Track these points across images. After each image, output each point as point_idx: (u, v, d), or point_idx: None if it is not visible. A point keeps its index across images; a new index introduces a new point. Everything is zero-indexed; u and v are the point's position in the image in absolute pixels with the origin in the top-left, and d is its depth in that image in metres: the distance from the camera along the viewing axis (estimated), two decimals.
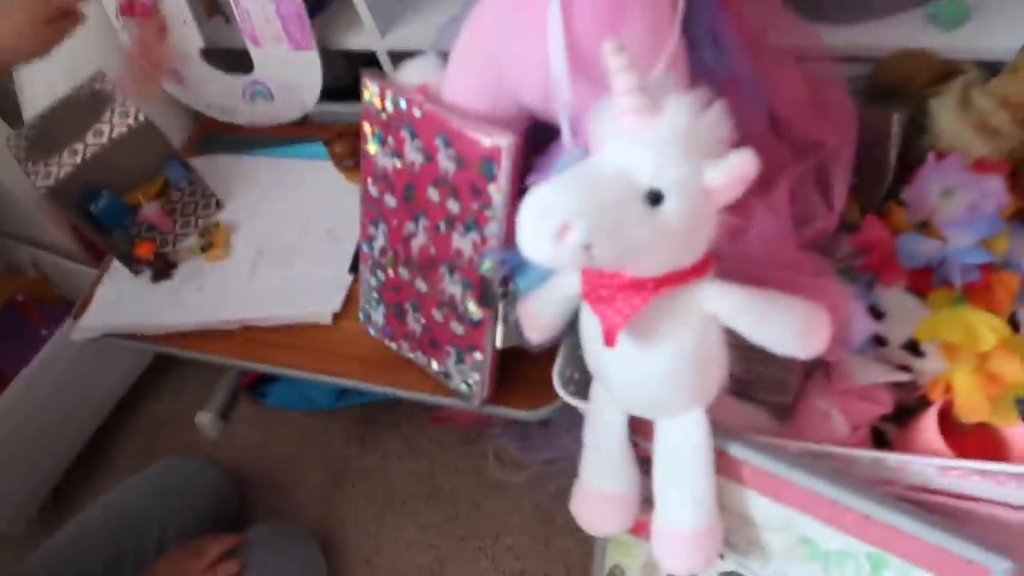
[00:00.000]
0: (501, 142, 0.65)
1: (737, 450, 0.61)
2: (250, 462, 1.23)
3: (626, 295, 0.54)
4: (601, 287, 0.55)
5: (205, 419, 1.28)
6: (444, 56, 0.75)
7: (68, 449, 1.28)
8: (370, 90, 0.75)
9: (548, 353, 0.75)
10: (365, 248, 0.83)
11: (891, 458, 0.60)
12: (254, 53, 1.09)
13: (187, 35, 1.10)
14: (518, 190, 0.67)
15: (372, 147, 0.77)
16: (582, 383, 0.73)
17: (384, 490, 1.15)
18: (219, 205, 1.08)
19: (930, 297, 0.68)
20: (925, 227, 0.70)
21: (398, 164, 0.75)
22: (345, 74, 1.19)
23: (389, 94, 0.73)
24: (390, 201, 0.77)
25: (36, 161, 0.97)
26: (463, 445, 1.16)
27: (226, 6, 1.12)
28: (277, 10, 1.02)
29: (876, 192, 0.77)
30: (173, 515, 1.04)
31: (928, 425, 0.64)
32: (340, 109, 1.13)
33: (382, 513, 1.13)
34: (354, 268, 0.94)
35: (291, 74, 1.09)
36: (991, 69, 0.76)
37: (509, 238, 0.69)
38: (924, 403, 0.69)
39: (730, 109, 0.70)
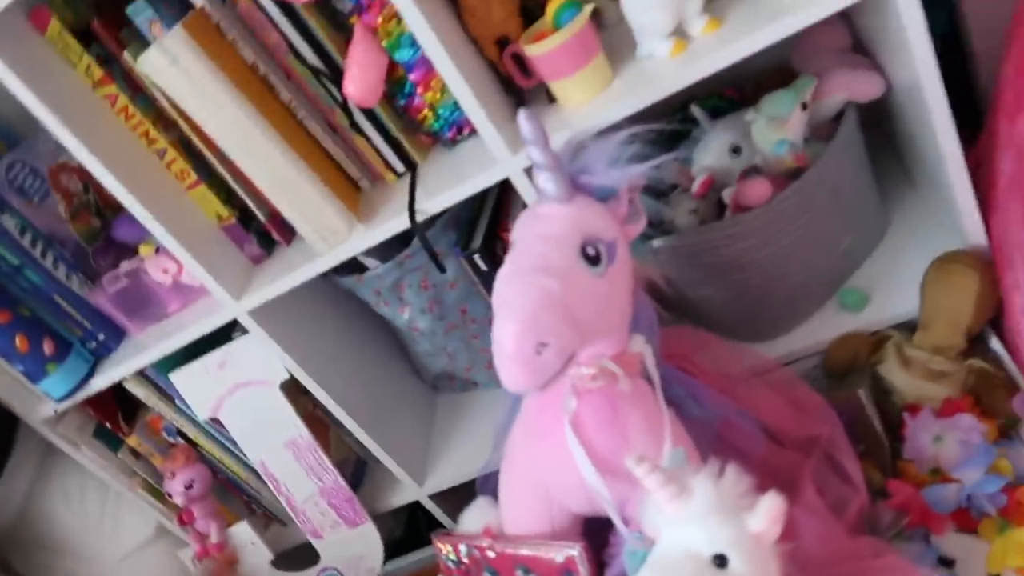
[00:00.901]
0: (572, 552, 0.76)
1: None
2: None
3: None
4: None
5: None
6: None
7: None
8: (444, 548, 0.86)
9: None
10: None
11: None
12: (318, 545, 1.21)
13: (256, 552, 1.22)
14: None
15: None
16: None
17: None
18: None
19: (980, 530, 0.75)
20: (938, 472, 0.81)
21: None
22: (396, 526, 1.32)
23: (462, 547, 0.85)
24: None
25: None
26: None
27: (282, 513, 1.27)
28: (330, 503, 1.17)
29: (882, 456, 0.88)
30: None
31: None
32: (400, 564, 1.22)
33: None
34: None
35: (355, 549, 1.21)
36: (908, 326, 0.92)
37: None
38: None
39: (733, 443, 0.84)
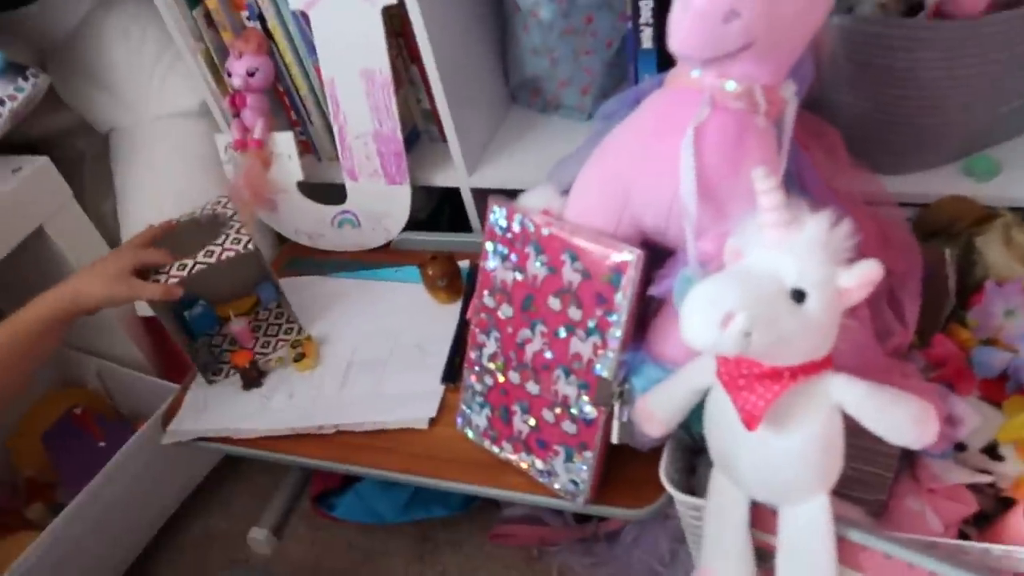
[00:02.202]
0: (630, 256, 0.75)
1: (858, 536, 0.66)
2: None
3: (765, 383, 0.62)
4: (740, 376, 0.63)
5: (259, 536, 1.28)
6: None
7: (119, 564, 1.26)
8: (497, 213, 0.85)
9: (643, 455, 0.81)
10: (472, 355, 0.90)
11: (997, 549, 0.66)
12: (350, 186, 1.20)
13: (290, 169, 1.21)
14: (640, 299, 0.76)
15: (491, 263, 0.86)
16: (681, 481, 0.78)
17: None
18: (300, 331, 1.14)
19: (1005, 404, 0.76)
20: (991, 343, 0.80)
21: (519, 277, 0.84)
22: (425, 206, 1.31)
23: (517, 216, 0.83)
24: (506, 311, 0.86)
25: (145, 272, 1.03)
26: (525, 563, 1.17)
27: (320, 146, 1.25)
28: (378, 150, 1.15)
29: (937, 318, 0.87)
30: None
31: (1017, 520, 0.71)
32: (418, 237, 1.23)
33: None
34: (447, 378, 1.00)
35: (381, 205, 1.20)
36: (1021, 213, 0.88)
37: (627, 342, 0.77)
38: (1003, 507, 0.76)
39: None
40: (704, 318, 0.57)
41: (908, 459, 0.77)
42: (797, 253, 0.60)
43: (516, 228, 0.83)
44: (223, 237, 1.04)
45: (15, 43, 1.24)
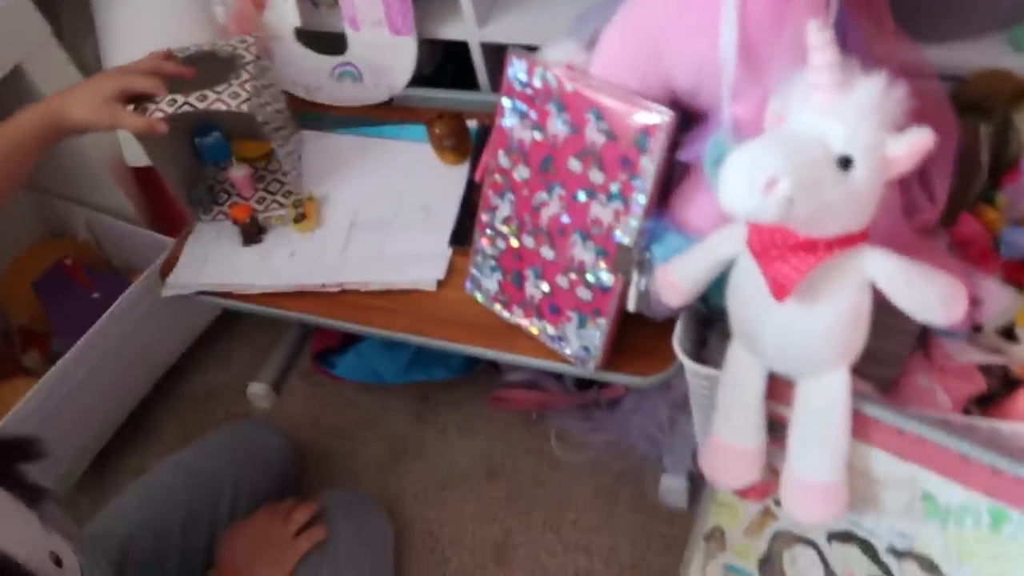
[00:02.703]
0: (660, 118, 0.70)
1: (872, 410, 0.66)
2: (304, 435, 1.25)
3: (799, 255, 0.60)
4: (773, 247, 0.61)
5: (258, 390, 1.29)
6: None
7: (117, 414, 1.27)
8: (516, 66, 0.80)
9: (653, 324, 0.80)
10: (484, 218, 0.87)
11: (1006, 427, 0.67)
12: (351, 36, 1.13)
13: (285, 13, 1.13)
14: (667, 163, 0.73)
15: (508, 120, 0.82)
16: (692, 352, 0.78)
17: (443, 466, 1.18)
18: (301, 191, 1.09)
19: None
20: (1021, 223, 0.78)
21: (537, 136, 0.80)
22: (429, 62, 1.24)
23: (538, 70, 0.78)
24: (523, 172, 0.82)
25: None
26: (524, 426, 1.19)
27: None
28: None
29: (967, 195, 0.85)
30: (245, 478, 1.05)
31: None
32: (423, 94, 1.16)
33: (443, 487, 1.16)
34: (455, 240, 0.98)
35: (384, 58, 1.13)
36: None
37: (651, 208, 0.75)
38: (1008, 388, 0.76)
39: None
40: (746, 183, 0.54)
41: (922, 337, 0.77)
42: (846, 117, 0.56)
43: (537, 83, 0.78)
44: (224, 85, 0.97)
45: None
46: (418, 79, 1.16)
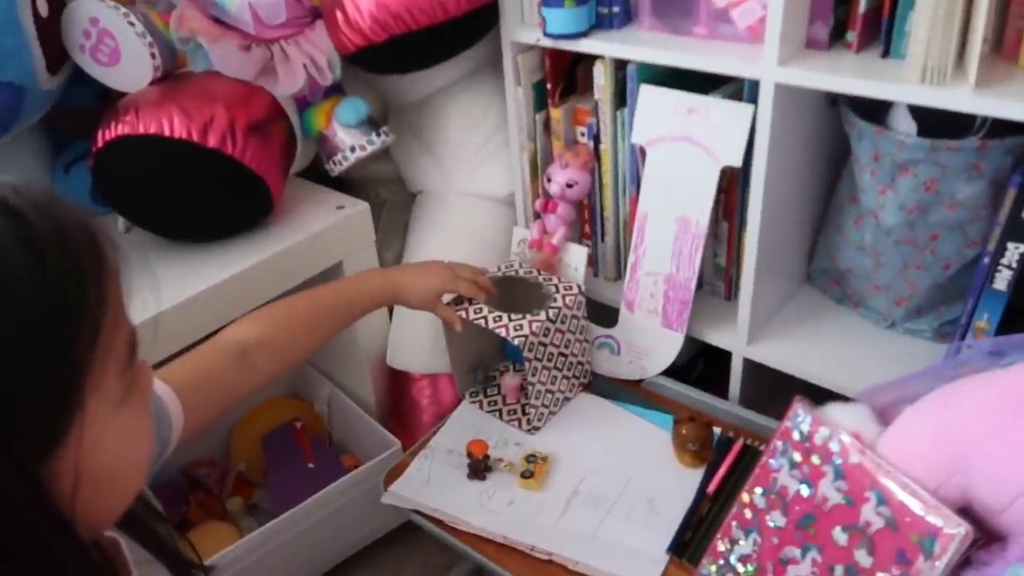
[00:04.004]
0: (956, 529, 0.67)
1: None
2: None
3: None
4: None
5: None
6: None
7: None
8: (801, 417, 0.81)
9: None
10: (720, 547, 0.85)
11: None
12: (624, 315, 1.20)
13: (574, 277, 1.23)
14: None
15: (777, 462, 0.82)
16: None
17: None
18: (532, 448, 1.13)
19: None
20: None
21: (804, 492, 0.78)
22: (685, 352, 1.28)
23: (823, 429, 0.78)
24: (777, 519, 0.80)
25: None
26: None
27: (603, 264, 1.27)
28: (666, 292, 1.14)
29: None
30: None
31: None
32: (674, 387, 1.19)
33: None
34: (674, 549, 0.96)
35: (647, 343, 1.19)
36: None
37: None
38: None
39: None
40: None
41: None
42: None
43: (818, 441, 0.79)
44: (520, 316, 1.09)
45: (367, 93, 1.37)
46: (672, 368, 1.21)
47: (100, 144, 1.08)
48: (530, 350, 1.08)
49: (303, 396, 1.57)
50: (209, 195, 1.11)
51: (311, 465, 1.40)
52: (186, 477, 1.43)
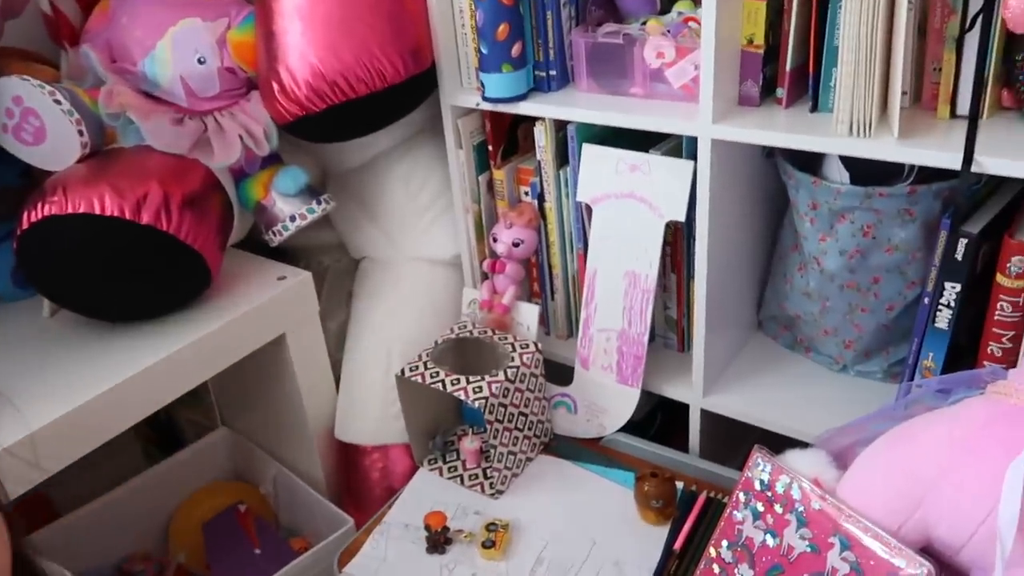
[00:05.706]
0: (919, 570, 0.67)
1: None
2: None
3: None
4: None
5: None
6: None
7: None
8: (761, 466, 0.80)
9: None
10: None
11: None
12: (579, 372, 1.19)
13: (525, 336, 1.22)
14: None
15: (740, 514, 0.80)
16: None
17: None
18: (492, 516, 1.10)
19: None
20: None
21: (770, 542, 0.77)
22: (641, 407, 1.28)
23: (783, 477, 0.78)
24: (745, 572, 0.79)
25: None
26: None
27: (554, 322, 1.26)
28: (619, 348, 1.14)
29: None
30: None
31: None
32: (633, 443, 1.18)
33: None
34: None
35: (604, 400, 1.18)
36: None
37: None
38: None
39: None
40: None
41: None
42: None
43: (779, 489, 0.78)
44: (477, 378, 1.07)
45: (305, 160, 1.35)
46: (627, 423, 1.20)
47: (26, 225, 1.04)
48: (491, 412, 1.05)
49: (247, 477, 1.49)
50: (144, 273, 1.07)
51: (258, 551, 1.33)
52: (120, 575, 1.34)
